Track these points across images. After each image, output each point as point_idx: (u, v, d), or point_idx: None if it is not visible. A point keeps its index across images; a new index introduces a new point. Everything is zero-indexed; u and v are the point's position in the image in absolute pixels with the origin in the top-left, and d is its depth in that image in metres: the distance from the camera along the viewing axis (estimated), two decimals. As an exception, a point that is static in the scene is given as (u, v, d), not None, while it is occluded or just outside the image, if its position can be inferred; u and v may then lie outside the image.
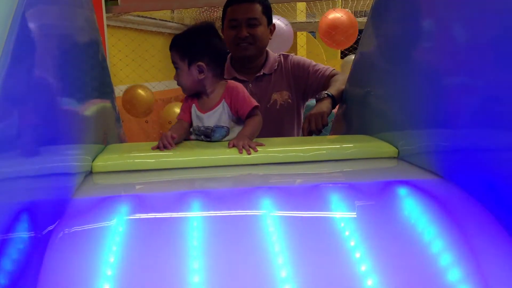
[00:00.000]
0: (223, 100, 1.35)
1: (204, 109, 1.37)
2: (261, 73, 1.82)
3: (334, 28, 3.30)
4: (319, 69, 1.83)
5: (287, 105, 1.82)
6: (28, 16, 0.74)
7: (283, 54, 1.89)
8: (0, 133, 0.61)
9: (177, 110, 3.63)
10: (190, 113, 1.40)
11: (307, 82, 1.83)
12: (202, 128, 1.38)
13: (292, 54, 1.90)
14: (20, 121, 0.69)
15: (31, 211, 0.72)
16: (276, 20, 3.14)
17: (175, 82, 1.40)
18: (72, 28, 1.13)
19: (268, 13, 1.76)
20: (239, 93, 1.34)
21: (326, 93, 1.65)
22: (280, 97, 1.82)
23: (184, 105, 1.42)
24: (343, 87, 1.70)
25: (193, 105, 1.39)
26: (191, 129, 1.42)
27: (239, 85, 1.38)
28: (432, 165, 1.04)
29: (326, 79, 1.79)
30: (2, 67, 0.63)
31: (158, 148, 1.23)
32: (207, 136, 1.38)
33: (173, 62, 1.35)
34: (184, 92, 1.41)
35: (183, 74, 1.33)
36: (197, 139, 1.41)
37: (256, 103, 1.34)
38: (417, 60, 1.15)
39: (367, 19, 1.50)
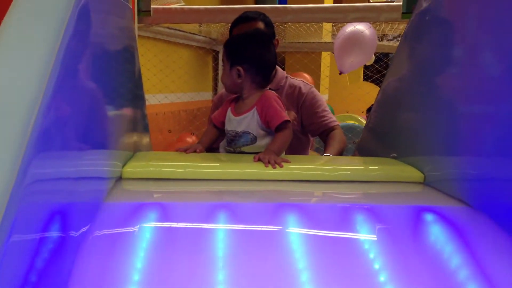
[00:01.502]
0: (255, 107, 1.38)
1: (237, 113, 1.42)
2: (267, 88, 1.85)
3: None
4: (325, 116, 1.88)
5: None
6: (79, 26, 0.78)
7: (303, 81, 1.93)
8: (41, 136, 0.63)
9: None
10: (225, 116, 1.45)
11: (309, 119, 1.87)
12: (230, 132, 1.42)
13: (313, 86, 1.94)
14: (61, 126, 0.72)
15: (66, 212, 0.74)
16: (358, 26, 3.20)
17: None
18: (114, 38, 1.17)
19: (271, 29, 1.83)
20: (270, 104, 1.36)
21: (327, 155, 1.71)
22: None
23: (223, 106, 1.48)
24: (341, 149, 1.80)
25: (229, 108, 1.44)
26: (221, 143, 1.48)
27: (273, 96, 1.41)
28: (459, 193, 1.04)
29: (326, 129, 1.86)
30: (53, 76, 0.66)
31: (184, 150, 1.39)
32: (233, 140, 1.41)
33: (222, 60, 1.45)
34: (226, 91, 1.51)
35: (225, 74, 1.42)
36: (227, 151, 1.44)
37: (286, 118, 1.36)
38: (447, 86, 1.15)
39: (399, 44, 1.52)
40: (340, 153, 1.80)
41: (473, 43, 1.04)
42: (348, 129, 3.28)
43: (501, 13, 0.94)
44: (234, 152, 1.42)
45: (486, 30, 0.99)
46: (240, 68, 1.38)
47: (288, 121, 1.36)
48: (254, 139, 1.38)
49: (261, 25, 1.79)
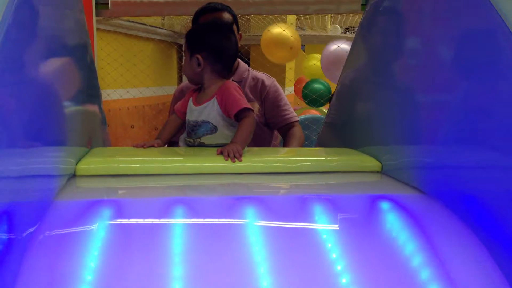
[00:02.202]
0: (215, 97, 1.37)
1: (198, 103, 1.41)
2: (230, 79, 1.84)
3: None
4: (287, 110, 1.90)
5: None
6: (19, 16, 0.74)
7: (265, 74, 1.93)
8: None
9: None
10: (187, 107, 1.44)
11: (272, 111, 1.88)
12: (191, 122, 1.41)
13: (275, 79, 1.95)
14: (3, 120, 0.68)
15: (11, 212, 0.71)
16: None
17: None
18: (61, 30, 1.13)
19: (236, 22, 1.82)
20: (230, 93, 1.36)
21: None
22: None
23: (185, 97, 1.47)
24: (300, 146, 1.84)
25: (191, 98, 1.43)
26: (182, 136, 1.47)
27: (233, 85, 1.40)
28: (414, 181, 1.06)
29: (287, 124, 1.88)
30: None
31: (141, 146, 1.36)
32: (193, 130, 1.40)
33: (184, 51, 1.47)
34: (188, 82, 1.52)
35: (186, 63, 1.44)
36: (187, 143, 1.43)
37: (245, 105, 1.35)
38: (401, 76, 1.17)
39: (355, 35, 1.53)
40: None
41: (426, 34, 1.06)
42: (312, 121, 3.31)
43: (452, 4, 0.96)
44: (194, 145, 1.40)
45: (439, 21, 1.01)
46: (199, 56, 1.38)
47: (247, 108, 1.35)
48: (214, 129, 1.37)
49: (227, 15, 1.77)
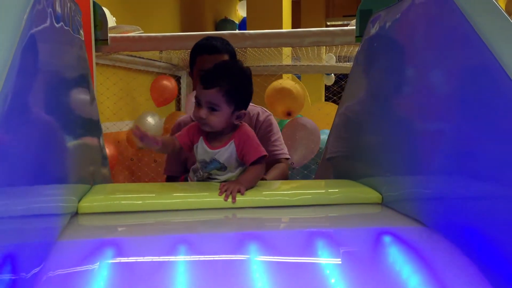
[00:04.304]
0: (232, 140, 1.36)
1: (213, 146, 1.38)
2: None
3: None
4: (277, 146, 1.88)
5: None
6: (25, 56, 0.76)
7: (262, 108, 1.94)
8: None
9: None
10: (191, 141, 1.41)
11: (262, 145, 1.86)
12: (201, 161, 1.40)
13: (271, 114, 1.94)
14: (7, 160, 0.69)
15: (14, 254, 0.71)
16: None
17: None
18: (65, 67, 1.15)
19: (234, 59, 1.81)
20: (250, 140, 1.36)
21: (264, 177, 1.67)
22: None
23: (190, 129, 1.43)
24: (280, 177, 1.79)
25: (202, 138, 1.40)
26: (193, 167, 1.47)
27: (251, 132, 1.40)
28: (415, 213, 1.06)
29: (272, 160, 1.84)
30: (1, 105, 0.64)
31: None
32: (204, 167, 1.40)
33: None
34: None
35: None
36: (196, 177, 1.43)
37: (265, 153, 1.35)
38: (399, 108, 1.19)
39: (351, 68, 1.56)
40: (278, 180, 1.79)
41: (423, 66, 1.08)
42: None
43: (446, 37, 0.98)
44: (203, 178, 1.41)
45: (433, 53, 1.04)
46: None
47: (264, 156, 1.35)
48: (224, 168, 1.37)
49: (226, 58, 1.75)
